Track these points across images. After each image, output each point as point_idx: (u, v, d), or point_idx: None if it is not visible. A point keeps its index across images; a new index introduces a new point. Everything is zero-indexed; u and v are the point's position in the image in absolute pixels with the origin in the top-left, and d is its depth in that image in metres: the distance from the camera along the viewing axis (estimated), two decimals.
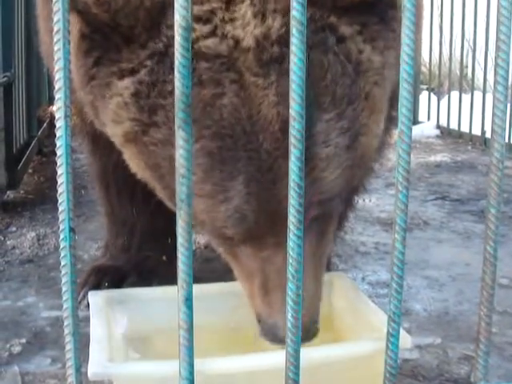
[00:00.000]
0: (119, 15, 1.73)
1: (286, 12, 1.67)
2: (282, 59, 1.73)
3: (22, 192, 4.70)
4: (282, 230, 1.72)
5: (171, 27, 1.69)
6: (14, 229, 3.92)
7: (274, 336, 1.89)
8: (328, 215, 1.94)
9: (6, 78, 4.17)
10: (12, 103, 4.41)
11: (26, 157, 4.78)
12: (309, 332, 1.88)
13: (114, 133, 1.92)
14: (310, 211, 1.81)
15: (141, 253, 2.92)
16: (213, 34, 1.72)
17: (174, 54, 1.67)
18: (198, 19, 1.72)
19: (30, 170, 5.19)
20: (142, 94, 1.79)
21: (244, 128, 1.74)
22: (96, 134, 2.29)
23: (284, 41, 1.71)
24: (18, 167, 4.48)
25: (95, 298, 2.08)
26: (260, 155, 1.76)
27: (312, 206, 1.82)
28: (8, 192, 4.38)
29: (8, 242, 3.68)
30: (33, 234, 3.81)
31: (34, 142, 5.27)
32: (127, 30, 1.75)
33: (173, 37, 1.70)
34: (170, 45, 1.74)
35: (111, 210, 3.01)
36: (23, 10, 4.92)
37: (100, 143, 2.60)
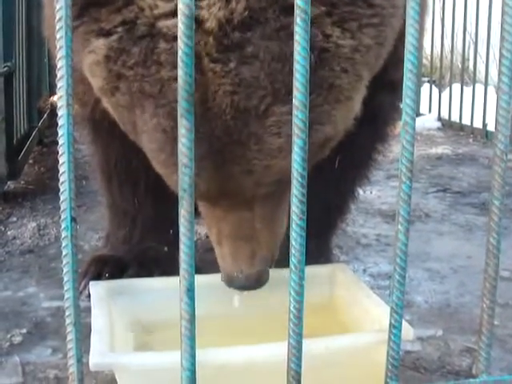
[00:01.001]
0: None
1: None
2: (243, 45, 1.71)
3: (22, 182, 4.69)
4: (232, 197, 1.91)
5: None
6: (14, 219, 3.91)
7: (229, 283, 2.05)
8: (281, 190, 1.95)
9: (6, 68, 4.15)
10: (13, 93, 4.40)
11: (26, 147, 4.77)
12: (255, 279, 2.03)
13: (92, 83, 1.94)
14: (261, 189, 1.92)
15: (142, 243, 2.90)
16: (175, 13, 1.62)
17: (141, 25, 1.74)
18: None
19: (31, 161, 5.17)
20: (111, 59, 1.81)
21: (196, 112, 1.67)
22: (97, 122, 2.28)
23: (246, 26, 1.69)
24: (19, 157, 4.46)
25: (96, 288, 2.07)
26: (211, 139, 1.78)
27: (262, 186, 1.90)
28: (8, 182, 4.36)
29: (9, 233, 3.67)
30: (33, 224, 3.80)
31: (34, 132, 5.25)
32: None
33: (143, 8, 1.74)
34: (139, 16, 1.74)
35: (113, 200, 2.98)
36: (24, 0, 4.90)
37: (101, 132, 2.59)
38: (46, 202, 4.19)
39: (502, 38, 1.58)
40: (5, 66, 4.14)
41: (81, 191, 4.46)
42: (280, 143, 1.80)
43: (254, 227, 2.00)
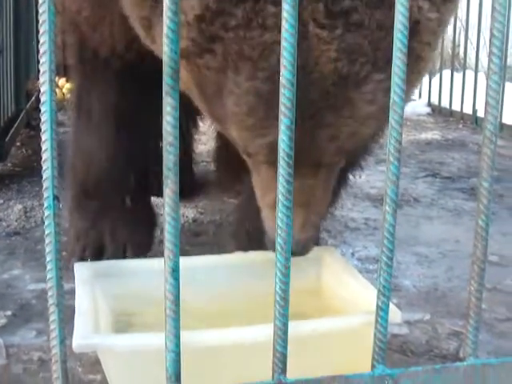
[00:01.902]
0: None
1: None
2: (350, 12, 1.76)
3: (9, 165, 4.65)
4: (304, 164, 1.91)
5: None
6: (0, 201, 3.88)
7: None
8: (339, 162, 2.07)
9: None
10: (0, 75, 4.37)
11: (13, 129, 4.73)
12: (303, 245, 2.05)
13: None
14: (337, 157, 2.01)
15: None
16: None
17: None
18: None
19: (18, 143, 5.14)
20: (205, 19, 1.80)
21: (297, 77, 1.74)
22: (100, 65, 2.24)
23: None
24: (6, 140, 4.43)
25: (81, 270, 2.05)
26: (305, 104, 1.77)
27: (342, 153, 1.98)
28: None
29: None
30: (20, 206, 3.77)
31: (22, 114, 5.22)
32: None
33: None
34: None
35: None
36: None
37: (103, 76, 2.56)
38: (33, 184, 4.16)
39: (493, 18, 1.56)
40: None
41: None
42: (372, 110, 1.87)
43: (314, 195, 2.05)
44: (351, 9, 1.76)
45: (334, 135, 1.90)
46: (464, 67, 6.93)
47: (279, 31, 1.63)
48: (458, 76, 6.93)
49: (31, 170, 4.49)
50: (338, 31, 1.76)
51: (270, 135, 1.86)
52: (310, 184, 2.02)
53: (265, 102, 1.82)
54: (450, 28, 7.35)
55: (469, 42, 7.08)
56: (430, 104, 7.33)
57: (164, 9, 1.35)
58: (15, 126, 4.83)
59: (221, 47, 1.81)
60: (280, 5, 1.63)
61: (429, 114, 7.13)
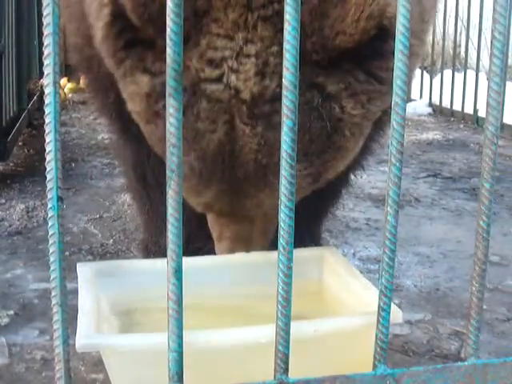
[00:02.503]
0: (148, 24, 1.83)
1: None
2: (271, 114, 1.89)
3: (11, 164, 4.67)
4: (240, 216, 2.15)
5: (197, 58, 1.87)
6: (3, 201, 3.89)
7: None
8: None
9: None
10: (1, 75, 4.37)
11: (15, 129, 4.75)
12: None
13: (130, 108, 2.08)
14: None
15: (190, 246, 2.80)
16: (219, 80, 1.88)
17: (185, 80, 1.83)
18: (209, 62, 1.88)
19: (20, 143, 5.15)
20: (151, 97, 1.95)
21: (224, 159, 1.96)
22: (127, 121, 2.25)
23: (276, 98, 1.82)
24: (8, 139, 4.44)
25: (84, 270, 2.05)
26: (232, 178, 1.99)
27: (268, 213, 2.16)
28: None
29: None
30: (22, 206, 3.78)
31: (24, 114, 5.23)
32: (156, 37, 1.83)
33: (188, 66, 1.87)
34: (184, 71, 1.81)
35: (150, 204, 2.82)
36: None
37: (132, 130, 2.53)
38: (35, 184, 4.17)
39: (495, 20, 1.57)
40: None
41: (70, 174, 4.45)
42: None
43: (252, 233, 2.23)
44: (272, 111, 1.88)
45: (258, 204, 2.08)
46: (465, 67, 6.93)
47: (210, 122, 1.92)
48: (459, 76, 6.93)
49: (33, 169, 4.50)
50: (259, 129, 1.91)
51: (203, 197, 2.07)
52: (248, 227, 2.21)
53: (197, 175, 2.00)
54: (451, 28, 7.36)
55: (470, 41, 7.09)
56: (431, 104, 7.34)
57: (167, 10, 1.36)
58: (17, 125, 4.85)
59: (161, 122, 1.92)
60: (215, 102, 1.89)
61: (430, 114, 7.13)
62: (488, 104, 1.60)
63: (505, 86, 4.11)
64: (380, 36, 1.84)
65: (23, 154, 4.95)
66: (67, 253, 3.13)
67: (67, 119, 6.27)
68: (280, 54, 1.73)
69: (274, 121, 1.87)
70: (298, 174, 1.88)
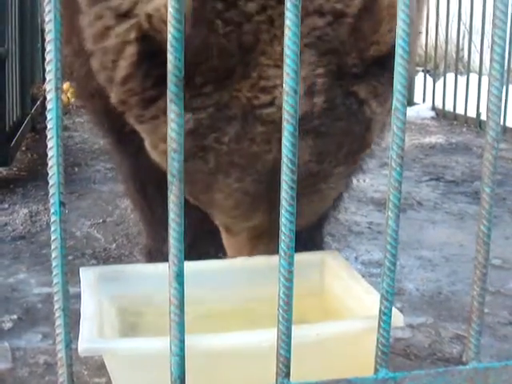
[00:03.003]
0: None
1: (327, 90, 1.96)
2: (319, 127, 1.99)
3: (14, 169, 4.68)
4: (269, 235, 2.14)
5: (249, 87, 1.93)
6: (6, 206, 3.90)
7: None
8: None
9: None
10: (5, 80, 4.38)
11: (19, 134, 4.76)
12: None
13: (158, 147, 2.05)
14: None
15: (192, 252, 2.80)
16: (272, 104, 1.94)
17: (235, 108, 1.95)
18: (262, 90, 1.94)
19: (23, 147, 5.16)
20: (199, 133, 1.95)
21: (277, 177, 1.85)
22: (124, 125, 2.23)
23: (323, 114, 1.97)
24: (11, 144, 4.45)
25: (86, 274, 2.06)
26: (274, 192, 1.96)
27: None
28: (0, 169, 4.36)
29: (0, 219, 3.66)
30: (25, 210, 3.79)
31: (27, 119, 5.24)
32: (192, 77, 1.84)
33: (251, 98, 1.94)
34: (233, 101, 1.94)
35: (151, 212, 2.83)
36: None
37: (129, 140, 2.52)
38: (38, 188, 4.18)
39: (494, 25, 1.57)
40: None
41: (73, 178, 4.46)
42: (334, 193, 2.23)
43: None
44: (320, 125, 1.98)
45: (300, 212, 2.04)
46: (468, 71, 6.93)
47: (266, 143, 1.96)
48: (461, 79, 6.93)
49: (36, 174, 4.51)
50: (309, 142, 1.98)
51: (253, 220, 2.12)
52: (271, 248, 2.12)
53: (251, 198, 2.05)
54: (454, 31, 7.36)
55: (472, 45, 7.09)
56: (434, 108, 7.34)
57: (168, 17, 1.37)
58: (20, 130, 4.86)
59: (212, 157, 1.99)
60: (269, 124, 1.94)
61: (433, 118, 7.14)
62: (488, 109, 1.61)
63: (507, 89, 4.12)
64: None
65: (26, 159, 4.97)
66: (70, 257, 3.14)
67: (70, 124, 6.28)
68: (324, 75, 1.95)
69: (321, 132, 1.99)
70: (340, 176, 2.13)
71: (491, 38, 1.58)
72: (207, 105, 1.94)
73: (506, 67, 1.67)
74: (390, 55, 1.95)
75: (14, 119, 4.81)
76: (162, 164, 2.09)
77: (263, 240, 2.21)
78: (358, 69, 1.98)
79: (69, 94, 6.97)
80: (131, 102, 1.98)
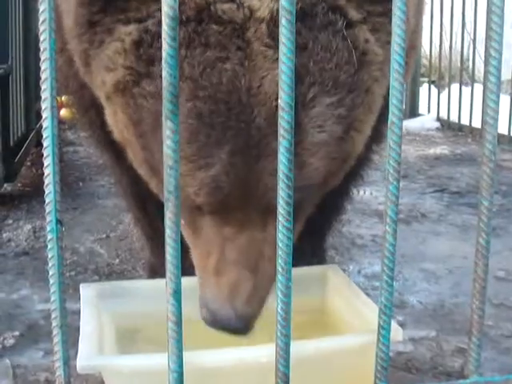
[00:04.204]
0: None
1: None
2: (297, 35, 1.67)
3: (19, 185, 4.69)
4: (252, 208, 1.79)
5: None
6: (10, 221, 3.91)
7: (213, 322, 1.82)
8: (300, 204, 1.79)
9: (1, 70, 4.16)
10: (9, 95, 4.40)
11: (23, 149, 4.77)
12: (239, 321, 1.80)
13: (104, 82, 1.87)
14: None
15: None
16: (232, 0, 1.70)
17: (188, 10, 1.69)
18: None
19: (28, 163, 5.18)
20: (144, 43, 1.76)
21: (240, 97, 1.70)
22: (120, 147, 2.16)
23: (299, 17, 1.62)
24: (16, 160, 4.46)
25: (86, 291, 2.06)
26: (250, 128, 1.72)
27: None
28: (5, 184, 4.37)
29: (4, 235, 3.67)
30: (29, 226, 3.80)
31: (32, 134, 5.26)
32: None
33: None
34: (185, 2, 1.69)
35: (152, 230, 2.73)
36: (21, 2, 4.90)
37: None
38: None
39: (490, 38, 1.57)
40: (0, 68, 4.14)
41: (78, 193, 4.47)
42: (321, 138, 1.78)
43: (263, 254, 1.84)
44: (296, 32, 1.67)
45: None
46: (472, 81, 6.93)
47: (222, 49, 1.69)
48: (466, 90, 6.93)
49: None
50: None
51: (213, 167, 1.74)
52: (259, 238, 1.83)
53: (207, 125, 1.71)
54: (458, 41, 7.37)
55: (477, 55, 7.09)
56: (438, 119, 7.35)
57: (162, 34, 1.37)
58: (25, 145, 4.87)
59: (159, 68, 1.56)
60: (226, 23, 1.69)
61: (438, 129, 7.14)
62: (485, 122, 1.61)
63: None
64: None
65: (31, 174, 4.98)
66: (73, 273, 3.14)
67: (75, 138, 6.29)
68: None
69: (297, 41, 1.56)
70: (331, 113, 1.76)
71: (487, 50, 1.58)
72: (155, 9, 1.72)
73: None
74: None
75: (19, 134, 4.82)
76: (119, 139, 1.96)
77: (241, 229, 1.83)
78: None
79: (74, 109, 6.98)
80: (80, 30, 1.86)
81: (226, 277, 1.82)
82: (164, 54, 1.38)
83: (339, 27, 1.74)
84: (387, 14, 1.77)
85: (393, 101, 1.53)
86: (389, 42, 1.72)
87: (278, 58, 1.57)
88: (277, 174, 1.46)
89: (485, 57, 6.54)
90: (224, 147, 1.72)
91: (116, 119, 1.92)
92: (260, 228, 1.84)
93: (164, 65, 1.39)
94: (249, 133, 1.72)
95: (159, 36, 1.62)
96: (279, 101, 1.46)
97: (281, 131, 1.47)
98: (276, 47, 1.63)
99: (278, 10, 1.63)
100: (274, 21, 1.70)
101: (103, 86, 1.89)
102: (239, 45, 1.70)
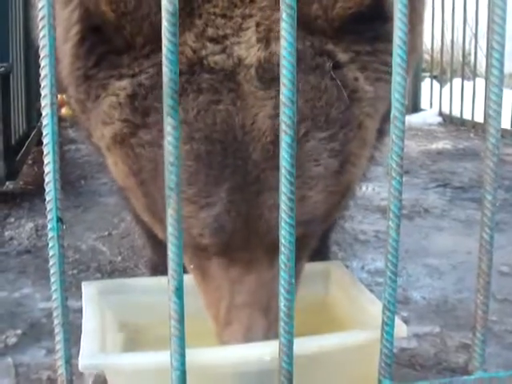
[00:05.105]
0: (125, 18, 1.74)
1: None
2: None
3: (21, 183, 4.69)
4: (258, 247, 1.82)
5: (195, 37, 1.76)
6: (12, 220, 3.90)
7: None
8: (303, 240, 1.83)
9: (2, 69, 4.15)
10: (10, 94, 4.39)
11: (25, 147, 4.77)
12: None
13: (102, 135, 1.91)
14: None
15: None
16: (222, 52, 1.76)
17: (183, 67, 1.71)
18: (210, 39, 1.77)
19: (30, 161, 5.18)
20: (138, 96, 1.79)
21: (235, 136, 1.74)
22: None
23: None
24: (17, 158, 4.46)
25: (89, 289, 2.05)
26: (247, 165, 1.75)
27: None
28: (7, 183, 4.36)
29: (6, 233, 3.67)
30: (31, 224, 3.79)
31: (33, 132, 5.26)
32: (130, 36, 1.76)
33: (183, 52, 1.73)
34: (198, 58, 1.76)
35: (154, 241, 2.68)
36: (21, 0, 4.89)
37: None
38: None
39: (492, 31, 1.56)
40: (1, 67, 4.13)
41: (80, 191, 4.46)
42: (318, 171, 1.81)
43: (273, 291, 1.71)
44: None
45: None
46: (474, 75, 6.92)
47: (214, 92, 1.75)
48: (468, 84, 6.92)
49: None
50: (272, 93, 1.74)
51: (214, 206, 1.76)
52: (267, 277, 1.84)
53: (205, 166, 1.75)
54: (459, 35, 7.35)
55: (479, 49, 7.07)
56: (441, 113, 7.33)
57: (162, 30, 1.36)
58: (27, 144, 4.87)
59: (154, 118, 1.75)
60: (218, 71, 1.75)
61: (440, 124, 7.13)
62: (488, 115, 1.59)
63: None
64: (377, 3, 1.78)
65: (33, 173, 4.98)
66: (75, 271, 3.14)
67: (77, 136, 6.28)
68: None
69: None
70: (325, 147, 1.79)
71: (489, 43, 1.57)
72: (147, 66, 1.78)
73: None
74: (371, 17, 1.77)
75: (20, 133, 4.82)
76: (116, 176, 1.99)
77: (249, 269, 1.86)
78: (327, 26, 1.78)
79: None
80: (76, 81, 1.89)
81: (238, 323, 1.85)
82: (164, 50, 1.37)
83: (327, 69, 1.79)
84: (375, 52, 1.86)
85: (395, 95, 1.51)
86: (378, 79, 1.88)
87: (268, 97, 1.74)
88: (278, 209, 1.46)
89: (487, 50, 6.53)
90: (223, 185, 1.75)
91: (117, 169, 1.95)
92: (267, 266, 1.85)
93: (164, 61, 1.37)
94: (246, 169, 1.75)
95: (153, 88, 1.77)
96: (281, 96, 1.45)
97: (282, 126, 1.46)
98: (265, 89, 1.74)
99: (265, 58, 1.76)
100: (261, 67, 1.76)
101: (102, 138, 1.92)
102: (231, 87, 1.75)
